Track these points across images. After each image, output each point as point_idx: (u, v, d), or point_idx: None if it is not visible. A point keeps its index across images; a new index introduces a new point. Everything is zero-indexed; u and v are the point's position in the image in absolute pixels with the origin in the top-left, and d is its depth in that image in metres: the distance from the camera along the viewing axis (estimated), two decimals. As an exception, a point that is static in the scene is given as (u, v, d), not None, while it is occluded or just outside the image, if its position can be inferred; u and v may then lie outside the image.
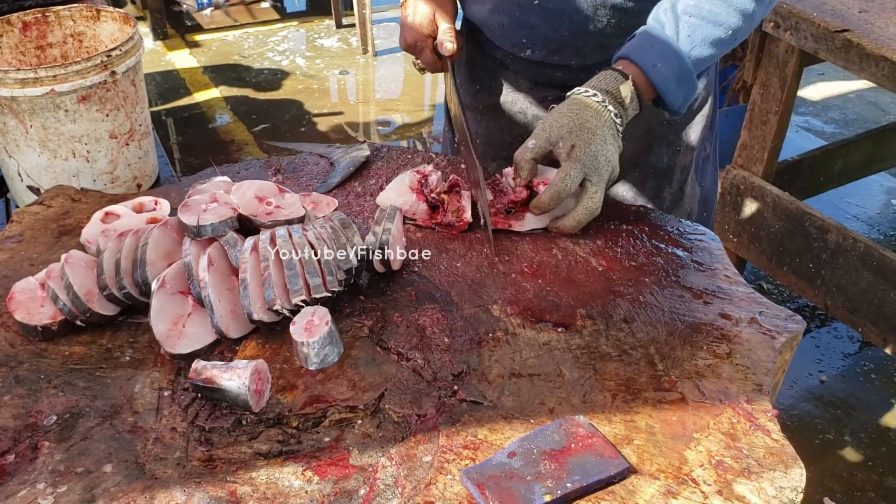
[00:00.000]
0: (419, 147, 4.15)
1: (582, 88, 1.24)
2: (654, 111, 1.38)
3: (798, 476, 0.88)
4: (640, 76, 1.24)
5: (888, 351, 2.38)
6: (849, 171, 3.13)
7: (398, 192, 1.33)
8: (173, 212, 1.28)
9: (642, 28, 1.27)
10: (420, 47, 1.47)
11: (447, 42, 1.42)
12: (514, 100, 1.55)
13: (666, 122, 1.48)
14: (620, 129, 1.24)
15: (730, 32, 1.23)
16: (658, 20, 1.25)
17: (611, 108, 1.22)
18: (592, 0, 1.32)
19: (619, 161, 1.26)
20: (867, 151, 3.13)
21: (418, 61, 1.51)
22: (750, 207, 2.63)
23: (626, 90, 1.23)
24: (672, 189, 1.54)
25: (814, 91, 4.75)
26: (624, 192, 1.53)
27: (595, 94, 1.23)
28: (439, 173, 1.36)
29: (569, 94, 1.26)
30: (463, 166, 1.44)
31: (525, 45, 1.44)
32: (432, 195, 1.31)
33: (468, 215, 1.30)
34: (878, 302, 2.34)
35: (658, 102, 1.29)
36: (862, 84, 4.74)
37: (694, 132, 1.53)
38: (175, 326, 1.06)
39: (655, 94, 1.26)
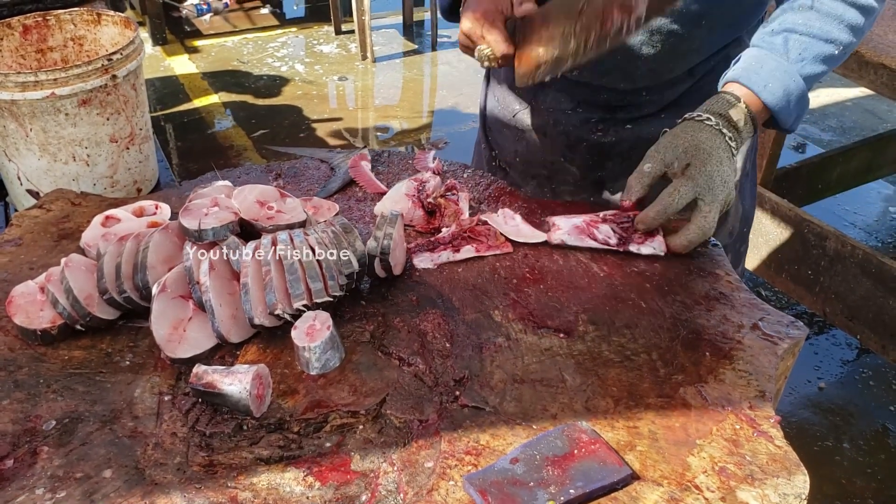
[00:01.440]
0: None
1: (694, 113, 1.22)
2: None
3: (801, 483, 0.88)
4: (752, 98, 1.21)
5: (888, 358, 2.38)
6: (847, 179, 3.13)
7: (394, 200, 1.33)
8: (174, 216, 1.27)
9: (747, 51, 1.24)
10: (491, 20, 1.21)
11: (527, 2, 1.20)
12: (556, 121, 1.51)
13: None
14: (735, 153, 1.22)
15: (841, 48, 1.21)
16: (764, 41, 1.23)
17: (725, 131, 1.20)
18: (647, 26, 1.29)
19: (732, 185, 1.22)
20: (865, 159, 3.14)
21: (485, 49, 1.23)
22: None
23: (738, 113, 1.21)
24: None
25: (811, 99, 4.76)
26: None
27: (709, 118, 1.20)
28: (437, 179, 1.35)
29: (681, 119, 1.24)
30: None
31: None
32: (428, 200, 1.31)
33: (466, 217, 1.30)
34: (877, 309, 2.34)
35: (771, 122, 1.26)
36: (859, 92, 4.75)
37: (741, 154, 1.50)
38: (175, 331, 1.05)
39: (769, 115, 1.24)
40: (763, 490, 0.86)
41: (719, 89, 1.26)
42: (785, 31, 1.21)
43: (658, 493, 0.86)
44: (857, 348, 2.88)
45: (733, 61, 1.27)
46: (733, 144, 1.21)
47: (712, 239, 1.31)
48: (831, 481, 2.38)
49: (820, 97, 4.79)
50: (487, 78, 1.67)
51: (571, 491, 0.84)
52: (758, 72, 1.21)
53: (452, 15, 1.39)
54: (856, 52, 2.10)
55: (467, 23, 1.24)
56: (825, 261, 2.45)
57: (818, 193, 3.08)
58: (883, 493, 2.35)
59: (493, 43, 1.22)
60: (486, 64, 1.25)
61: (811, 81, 1.24)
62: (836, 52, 1.22)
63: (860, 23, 1.21)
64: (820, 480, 2.36)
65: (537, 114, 1.54)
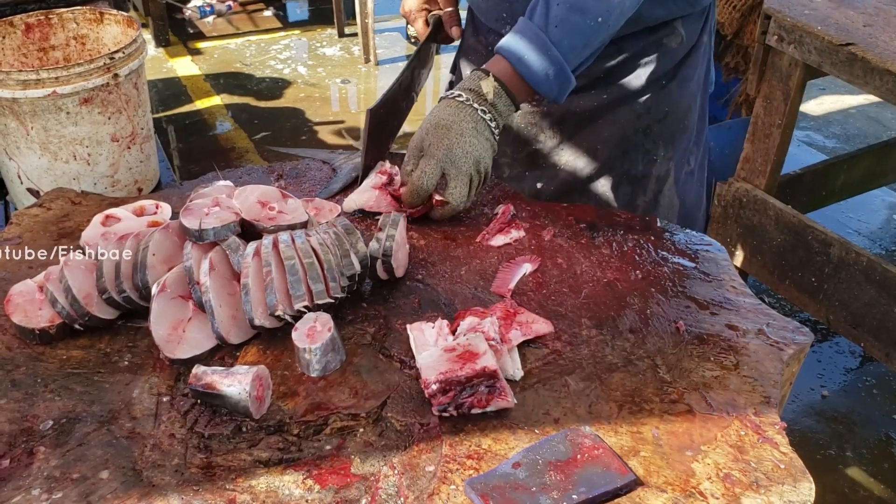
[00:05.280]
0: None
1: (448, 91, 1.27)
2: (631, 118, 1.40)
3: (807, 490, 0.87)
4: (507, 70, 1.25)
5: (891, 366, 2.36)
6: (851, 186, 3.12)
7: (361, 192, 1.35)
8: (174, 216, 1.27)
9: (519, 19, 1.27)
10: (415, 17, 1.59)
11: (455, 27, 1.55)
12: None
13: (642, 130, 1.48)
14: (493, 125, 1.26)
15: (598, 20, 1.23)
16: (531, 9, 1.26)
17: (476, 105, 1.24)
18: None
19: (491, 159, 1.28)
20: (869, 166, 3.13)
21: (412, 30, 1.64)
22: (752, 220, 2.62)
23: (487, 86, 1.24)
24: (646, 197, 1.53)
25: (815, 105, 4.76)
26: (596, 196, 1.52)
27: (459, 95, 1.25)
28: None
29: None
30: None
31: (505, 20, 1.46)
32: (397, 190, 1.33)
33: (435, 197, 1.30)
34: (881, 316, 2.32)
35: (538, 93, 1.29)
36: (863, 99, 4.74)
37: (674, 144, 1.52)
38: (175, 331, 1.04)
39: (529, 88, 1.26)
40: (768, 497, 0.85)
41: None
42: (545, 1, 1.24)
43: (662, 500, 0.85)
44: (860, 356, 2.86)
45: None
46: (487, 117, 1.25)
47: (715, 242, 1.29)
48: (834, 490, 2.36)
49: (824, 104, 4.78)
50: None
51: (574, 496, 0.83)
52: (516, 43, 1.24)
53: None
54: (861, 59, 2.09)
55: (403, 11, 1.64)
56: (829, 268, 2.44)
57: (822, 200, 3.07)
58: (886, 503, 2.33)
59: (417, 33, 1.61)
60: (413, 42, 1.70)
61: (573, 55, 1.24)
62: (593, 23, 1.23)
63: None
64: (822, 489, 2.34)
65: None
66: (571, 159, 1.50)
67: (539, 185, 1.52)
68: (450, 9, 1.57)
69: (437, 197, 1.27)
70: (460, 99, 1.25)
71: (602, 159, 1.48)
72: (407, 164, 1.29)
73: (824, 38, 2.19)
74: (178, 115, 4.55)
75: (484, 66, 1.27)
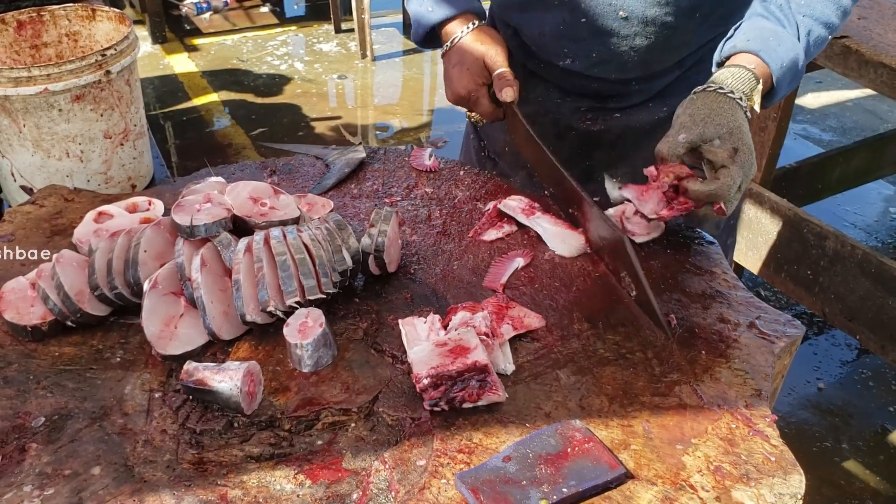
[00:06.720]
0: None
1: (726, 87, 1.16)
2: None
3: (797, 482, 0.87)
4: (766, 74, 1.18)
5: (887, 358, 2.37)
6: (847, 179, 3.12)
7: (651, 189, 1.21)
8: (167, 212, 1.26)
9: (758, 21, 1.21)
10: (475, 97, 1.35)
11: (507, 87, 1.31)
12: (546, 110, 1.50)
13: None
14: None
15: (832, 32, 1.23)
16: (775, 16, 1.20)
17: (748, 114, 1.17)
18: (642, 17, 1.27)
19: None
20: (865, 159, 3.13)
21: (473, 114, 1.40)
22: (748, 214, 2.62)
23: (757, 94, 1.18)
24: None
25: (812, 99, 4.76)
26: None
27: (741, 98, 1.16)
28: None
29: (709, 86, 1.17)
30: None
31: (566, 55, 1.38)
32: (669, 185, 1.18)
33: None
34: (877, 309, 2.32)
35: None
36: (860, 92, 4.74)
37: None
38: (167, 327, 1.04)
39: (768, 94, 1.22)
40: (759, 490, 0.85)
41: (724, 54, 1.21)
42: (791, 9, 1.20)
43: (652, 493, 0.85)
44: (856, 349, 2.87)
45: (735, 27, 1.23)
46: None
47: (707, 235, 1.30)
48: (830, 482, 2.37)
49: (821, 97, 4.78)
50: None
51: (564, 490, 0.83)
52: (776, 49, 1.18)
53: (427, 44, 1.42)
54: (856, 51, 2.09)
55: (454, 98, 1.37)
56: (825, 261, 2.44)
57: (818, 193, 3.07)
58: (882, 495, 2.34)
59: (482, 115, 1.38)
60: (478, 124, 1.44)
61: (806, 64, 1.24)
62: (828, 35, 1.22)
63: (849, 5, 1.23)
64: (818, 481, 2.35)
65: (526, 103, 1.52)
66: (629, 173, 1.45)
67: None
68: (503, 69, 1.32)
69: (721, 205, 1.15)
70: (742, 103, 1.16)
71: None
72: (678, 145, 1.14)
73: (819, 30, 2.18)
74: (175, 111, 4.55)
75: (748, 66, 1.17)
